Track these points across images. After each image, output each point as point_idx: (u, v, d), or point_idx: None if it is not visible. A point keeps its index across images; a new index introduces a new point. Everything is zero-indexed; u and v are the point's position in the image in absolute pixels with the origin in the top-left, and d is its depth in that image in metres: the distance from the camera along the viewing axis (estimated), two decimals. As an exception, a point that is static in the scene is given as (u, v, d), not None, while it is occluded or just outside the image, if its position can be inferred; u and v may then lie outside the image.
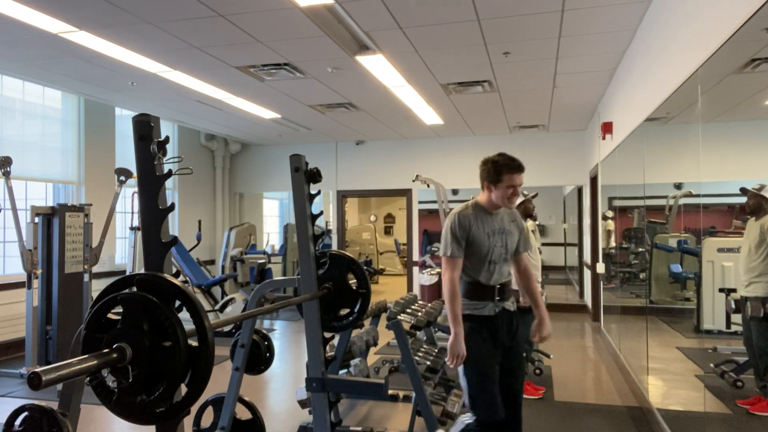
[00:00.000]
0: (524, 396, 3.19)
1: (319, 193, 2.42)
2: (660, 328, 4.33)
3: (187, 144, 9.23)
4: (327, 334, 2.43)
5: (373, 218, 15.97)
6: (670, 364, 4.18)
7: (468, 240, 2.68)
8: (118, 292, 1.25)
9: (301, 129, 8.59)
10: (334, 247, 9.98)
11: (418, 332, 4.12)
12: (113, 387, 1.23)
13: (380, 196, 13.67)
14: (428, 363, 3.89)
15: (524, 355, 3.20)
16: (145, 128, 1.66)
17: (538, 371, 5.04)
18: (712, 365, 3.24)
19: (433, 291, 8.57)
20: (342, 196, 10.11)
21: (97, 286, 6.07)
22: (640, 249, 5.11)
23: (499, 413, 2.63)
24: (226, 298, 7.25)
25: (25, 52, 4.98)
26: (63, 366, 1.06)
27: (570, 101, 6.89)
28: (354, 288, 2.47)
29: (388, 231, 15.91)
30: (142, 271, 1.43)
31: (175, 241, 1.66)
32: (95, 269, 5.82)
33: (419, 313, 4.01)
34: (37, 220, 5.24)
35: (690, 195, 3.59)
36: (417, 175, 6.95)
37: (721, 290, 3.20)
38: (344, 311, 2.51)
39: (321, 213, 2.48)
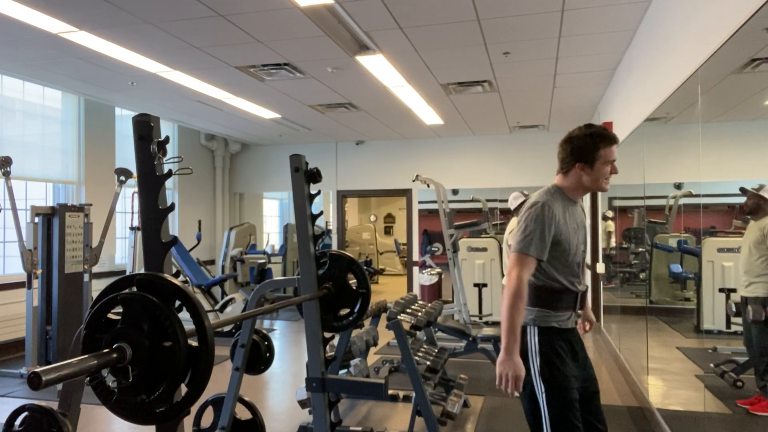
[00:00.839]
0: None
1: (319, 193, 2.42)
2: (660, 328, 4.33)
3: (187, 144, 9.23)
4: (327, 334, 2.43)
5: (373, 218, 15.97)
6: (670, 364, 4.18)
7: (555, 238, 2.16)
8: (118, 292, 1.25)
9: (301, 129, 8.59)
10: (334, 247, 9.98)
11: (418, 332, 4.11)
12: (113, 387, 1.23)
13: (380, 196, 13.68)
14: (428, 363, 3.89)
15: None
16: (145, 128, 1.65)
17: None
18: (712, 365, 3.24)
19: (433, 291, 8.57)
20: (342, 196, 10.11)
21: (97, 286, 6.07)
22: (640, 249, 5.12)
23: None
24: (226, 298, 7.25)
25: (25, 52, 4.98)
26: (63, 366, 1.06)
27: (570, 101, 6.89)
28: (354, 288, 2.46)
29: (388, 231, 15.91)
30: (142, 271, 1.42)
31: (175, 241, 1.66)
32: (95, 269, 5.82)
33: (419, 313, 4.01)
34: (37, 220, 5.24)
35: (690, 195, 3.59)
36: (417, 175, 6.95)
37: (721, 290, 3.20)
38: (344, 311, 2.50)
39: (321, 213, 2.48)
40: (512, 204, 5.07)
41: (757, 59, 2.53)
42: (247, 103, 6.89)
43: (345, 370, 3.85)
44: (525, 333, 2.19)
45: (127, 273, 4.28)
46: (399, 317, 3.61)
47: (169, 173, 1.68)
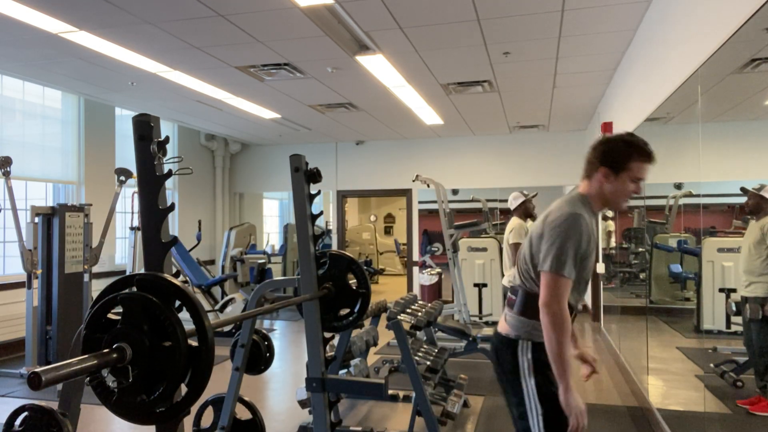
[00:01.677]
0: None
1: (319, 193, 2.42)
2: (660, 328, 4.33)
3: (187, 144, 9.23)
4: (327, 334, 2.43)
5: (373, 218, 15.97)
6: (670, 364, 4.18)
7: (583, 254, 1.92)
8: (118, 292, 1.25)
9: (301, 129, 8.59)
10: (334, 247, 9.98)
11: (418, 332, 4.11)
12: (113, 387, 1.23)
13: (380, 196, 13.68)
14: (428, 363, 3.89)
15: None
16: (145, 128, 1.66)
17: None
18: (712, 365, 3.24)
19: (433, 291, 8.57)
20: (342, 196, 10.11)
21: (97, 286, 6.07)
22: (640, 249, 5.12)
23: None
24: (226, 298, 7.25)
25: (25, 52, 4.98)
26: (63, 366, 1.06)
27: (570, 101, 6.89)
28: (354, 288, 2.46)
29: (388, 231, 15.91)
30: (142, 271, 1.43)
31: (175, 241, 1.66)
32: (95, 269, 5.81)
33: (419, 313, 4.01)
34: (37, 220, 5.24)
35: (690, 195, 3.59)
36: (417, 175, 6.95)
37: (721, 290, 3.21)
38: (344, 311, 2.50)
39: (321, 213, 2.48)
40: (512, 204, 5.06)
41: (757, 59, 2.53)
42: (247, 103, 6.89)
43: (345, 370, 3.85)
44: (515, 348, 2.00)
45: (127, 273, 4.28)
46: (399, 317, 3.61)
47: (169, 173, 1.68)
